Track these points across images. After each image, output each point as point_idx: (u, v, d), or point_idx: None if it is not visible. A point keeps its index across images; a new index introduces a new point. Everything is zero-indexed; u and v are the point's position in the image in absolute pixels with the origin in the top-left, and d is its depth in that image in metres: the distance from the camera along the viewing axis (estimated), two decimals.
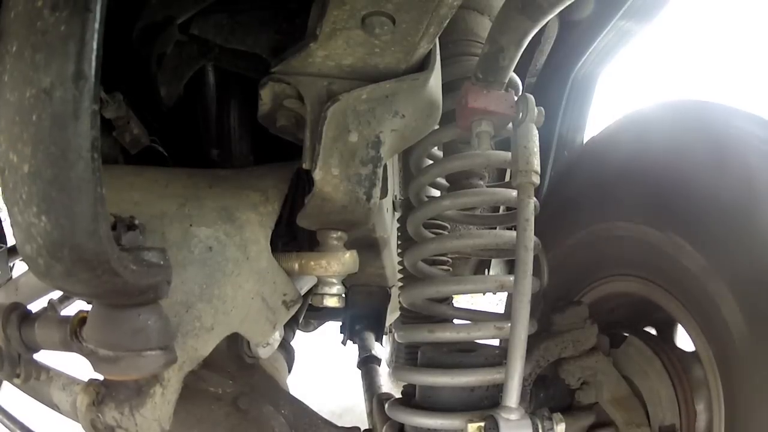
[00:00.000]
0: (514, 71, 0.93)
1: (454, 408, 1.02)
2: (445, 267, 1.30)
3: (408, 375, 1.09)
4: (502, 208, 1.61)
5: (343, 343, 2.18)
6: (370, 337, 2.11)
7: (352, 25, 0.78)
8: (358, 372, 1.92)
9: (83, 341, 0.81)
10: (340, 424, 1.26)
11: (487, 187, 1.25)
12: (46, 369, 1.08)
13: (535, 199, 0.90)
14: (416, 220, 1.14)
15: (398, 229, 1.44)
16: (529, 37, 0.82)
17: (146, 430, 0.93)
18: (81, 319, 0.86)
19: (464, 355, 1.06)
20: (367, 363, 1.91)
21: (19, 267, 2.05)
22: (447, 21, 0.79)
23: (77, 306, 1.23)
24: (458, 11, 0.87)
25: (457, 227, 1.54)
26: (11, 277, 1.91)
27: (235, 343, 1.19)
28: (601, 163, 1.30)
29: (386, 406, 1.14)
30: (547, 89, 1.82)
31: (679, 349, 1.11)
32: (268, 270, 1.02)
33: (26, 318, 0.98)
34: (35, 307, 1.06)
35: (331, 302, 1.04)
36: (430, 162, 1.21)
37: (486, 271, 2.30)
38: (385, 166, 0.99)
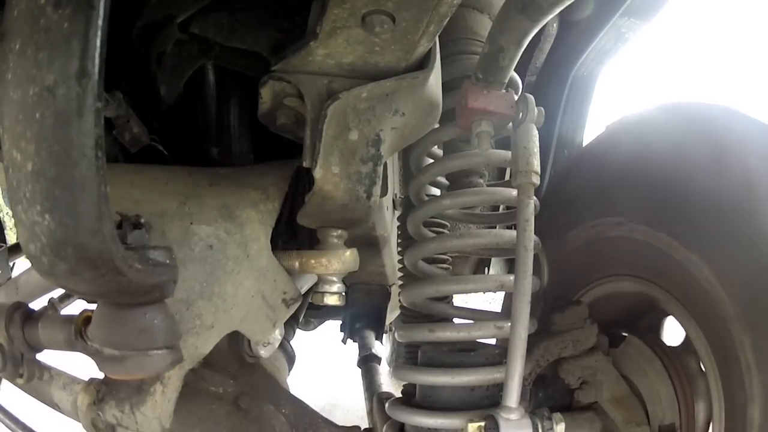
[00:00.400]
0: (514, 70, 0.93)
1: (454, 407, 1.02)
2: (444, 266, 1.31)
3: (408, 374, 1.10)
4: (502, 206, 1.61)
5: (343, 341, 2.18)
6: (370, 335, 2.11)
7: (353, 23, 0.78)
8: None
9: (88, 340, 0.80)
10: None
11: (487, 186, 1.26)
12: (48, 368, 1.08)
13: (535, 198, 0.90)
14: (416, 219, 1.14)
15: (398, 227, 1.44)
16: (529, 37, 0.82)
17: (147, 429, 0.93)
18: (86, 318, 0.86)
19: (464, 354, 1.06)
20: (367, 362, 1.91)
21: (20, 266, 2.05)
22: (447, 19, 0.79)
23: (77, 305, 1.23)
24: (458, 10, 0.87)
25: (457, 226, 1.54)
26: (11, 277, 1.91)
27: (235, 343, 1.19)
28: (600, 165, 1.30)
29: (386, 405, 1.14)
30: (546, 88, 1.83)
31: (679, 348, 1.12)
32: (268, 268, 1.02)
33: (29, 317, 0.98)
34: (36, 306, 1.06)
35: (332, 300, 1.04)
36: (431, 161, 1.21)
37: (486, 270, 2.30)
38: (385, 165, 0.99)
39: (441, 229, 1.30)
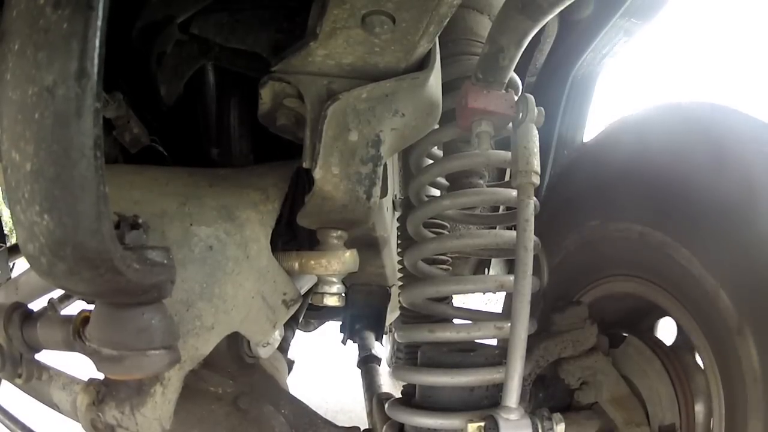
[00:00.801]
0: (514, 70, 0.93)
1: (454, 408, 1.02)
2: (444, 266, 1.31)
3: (408, 375, 1.09)
4: (502, 207, 1.61)
5: (343, 342, 2.17)
6: (370, 336, 2.11)
7: (352, 24, 0.78)
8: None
9: (86, 341, 0.80)
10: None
11: (487, 186, 1.25)
12: (47, 369, 1.08)
13: (535, 198, 0.90)
14: (416, 220, 1.14)
15: (398, 228, 1.44)
16: (529, 37, 0.82)
17: (147, 429, 0.93)
18: (84, 318, 0.86)
19: (464, 354, 1.06)
20: (367, 362, 1.91)
21: (20, 266, 2.05)
22: (447, 20, 0.79)
23: (77, 305, 1.23)
24: (458, 10, 0.87)
25: (457, 226, 1.54)
26: (10, 277, 1.91)
27: (235, 343, 1.19)
28: (600, 165, 1.30)
29: (386, 405, 1.14)
30: (546, 88, 1.83)
31: (679, 348, 1.12)
32: (268, 269, 1.02)
33: (28, 318, 0.98)
34: (36, 306, 1.06)
35: (332, 301, 1.04)
36: (430, 161, 1.21)
37: (486, 270, 2.30)
38: (385, 165, 0.99)
39: (441, 230, 1.30)
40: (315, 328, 2.76)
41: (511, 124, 0.94)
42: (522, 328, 0.85)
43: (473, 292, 1.15)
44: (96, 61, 0.51)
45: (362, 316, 2.10)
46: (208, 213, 0.99)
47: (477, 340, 1.11)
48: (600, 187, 1.27)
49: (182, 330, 0.93)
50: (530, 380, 1.12)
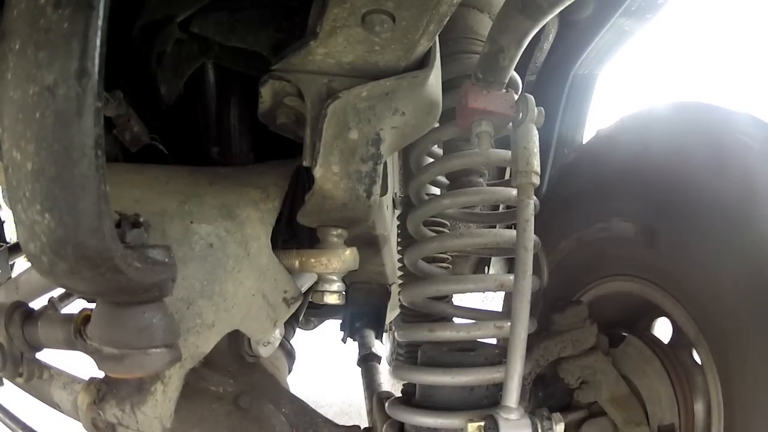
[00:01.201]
0: (514, 70, 0.93)
1: (454, 407, 1.02)
2: (444, 265, 1.31)
3: (408, 374, 1.10)
4: (501, 205, 1.61)
5: (343, 340, 2.17)
6: (370, 334, 2.11)
7: (353, 22, 0.78)
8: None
9: (87, 339, 0.80)
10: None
11: (487, 185, 1.26)
12: (48, 368, 1.08)
13: (535, 198, 0.90)
14: (416, 219, 1.14)
15: (398, 226, 1.44)
16: (529, 37, 0.82)
17: (148, 428, 0.93)
18: (85, 317, 0.86)
19: (464, 354, 1.06)
20: (367, 361, 1.91)
21: (20, 266, 2.05)
22: (447, 19, 0.79)
23: (78, 304, 1.23)
24: (458, 9, 0.87)
25: (457, 225, 1.54)
26: (11, 276, 1.92)
27: (236, 342, 1.19)
28: (600, 164, 1.30)
29: (386, 404, 1.14)
30: (546, 88, 1.83)
31: (679, 348, 1.12)
32: (268, 267, 1.02)
33: (29, 317, 0.98)
34: (36, 305, 1.06)
35: (332, 299, 1.04)
36: (431, 160, 1.21)
37: (486, 269, 2.30)
38: (385, 164, 0.99)
39: (441, 229, 1.30)
40: (315, 327, 2.76)
41: (511, 124, 0.94)
42: (522, 327, 0.85)
43: (473, 292, 1.15)
44: (97, 60, 0.51)
45: (362, 314, 2.10)
46: (208, 211, 0.99)
47: (477, 340, 1.11)
48: (600, 186, 1.27)
49: (183, 328, 0.93)
50: (530, 380, 1.12)
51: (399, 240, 1.42)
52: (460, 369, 1.01)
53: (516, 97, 0.93)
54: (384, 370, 1.96)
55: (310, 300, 1.12)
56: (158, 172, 1.06)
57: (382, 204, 1.32)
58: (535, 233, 0.89)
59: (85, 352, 0.83)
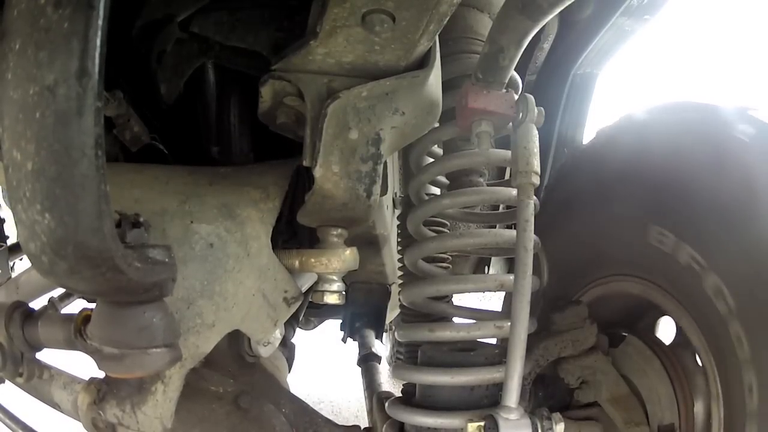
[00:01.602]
0: (514, 70, 0.93)
1: (454, 407, 1.02)
2: (444, 265, 1.31)
3: (408, 374, 1.10)
4: (501, 205, 1.61)
5: (343, 340, 2.17)
6: (370, 334, 2.11)
7: (353, 22, 0.78)
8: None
9: (88, 339, 0.80)
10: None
11: (487, 185, 1.26)
12: (48, 368, 1.08)
13: (535, 198, 0.90)
14: (416, 219, 1.14)
15: (398, 226, 1.44)
16: (529, 38, 0.82)
17: (148, 428, 0.93)
18: (85, 317, 0.86)
19: (464, 354, 1.06)
20: (367, 361, 1.91)
21: (20, 266, 2.05)
22: (447, 18, 0.79)
23: (78, 304, 1.23)
24: (458, 9, 0.87)
25: (457, 225, 1.54)
26: (11, 276, 1.91)
27: (236, 342, 1.19)
28: (600, 164, 1.30)
29: (386, 404, 1.14)
30: (546, 87, 1.83)
31: (678, 348, 1.12)
32: (269, 266, 1.02)
33: (29, 316, 0.98)
34: (36, 305, 1.06)
35: (332, 299, 1.04)
36: (431, 160, 1.21)
37: (486, 268, 2.30)
38: (385, 163, 0.99)
39: (441, 228, 1.30)
40: (315, 326, 2.76)
41: (511, 124, 0.94)
42: (522, 327, 0.85)
43: (473, 292, 1.15)
44: (97, 60, 0.51)
45: (362, 314, 2.10)
46: (208, 211, 0.99)
47: (477, 340, 1.11)
48: (599, 186, 1.27)
49: (183, 328, 0.93)
50: (530, 379, 1.12)
51: (399, 240, 1.42)
52: (460, 369, 1.02)
53: (516, 97, 0.93)
54: (384, 370, 1.96)
55: (310, 300, 1.12)
56: (158, 171, 1.06)
57: (382, 204, 1.32)
58: (534, 233, 0.89)
59: (86, 352, 0.83)
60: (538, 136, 0.91)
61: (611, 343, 1.20)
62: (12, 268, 2.01)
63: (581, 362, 1.14)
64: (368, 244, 1.51)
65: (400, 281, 1.36)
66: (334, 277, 1.04)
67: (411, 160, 1.21)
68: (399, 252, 1.42)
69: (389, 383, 1.84)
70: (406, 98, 0.88)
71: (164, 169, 1.08)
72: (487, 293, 1.24)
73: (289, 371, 1.50)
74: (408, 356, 1.40)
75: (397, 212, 1.51)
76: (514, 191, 0.97)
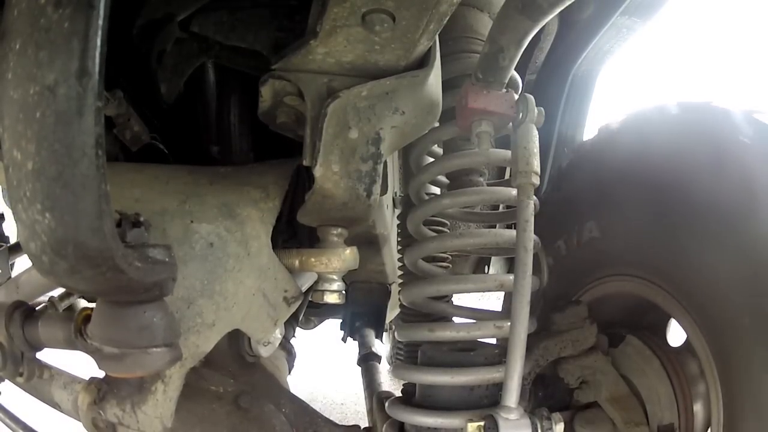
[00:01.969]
0: (514, 70, 0.93)
1: (454, 407, 1.02)
2: (444, 265, 1.31)
3: (408, 373, 1.10)
4: (501, 205, 1.61)
5: (343, 340, 2.18)
6: (370, 334, 2.11)
7: (353, 22, 0.78)
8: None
9: (88, 339, 0.80)
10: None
11: (487, 185, 1.26)
12: (48, 367, 1.08)
13: (535, 198, 0.90)
14: (416, 218, 1.14)
15: (398, 226, 1.44)
16: (529, 37, 0.82)
17: (148, 428, 0.93)
18: (85, 316, 0.86)
19: (464, 354, 1.06)
20: (367, 360, 1.91)
21: (20, 265, 2.05)
22: (447, 18, 0.79)
23: (78, 304, 1.23)
24: (458, 8, 0.87)
25: (457, 225, 1.54)
26: (11, 276, 1.91)
27: (236, 342, 1.19)
28: (600, 164, 1.30)
29: (386, 404, 1.14)
30: (546, 87, 1.83)
31: (678, 348, 1.12)
32: (269, 266, 1.02)
33: (29, 316, 0.98)
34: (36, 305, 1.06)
35: (332, 299, 1.04)
36: (431, 159, 1.21)
37: (486, 268, 2.30)
38: (385, 163, 0.99)
39: (441, 228, 1.30)
40: (315, 326, 2.76)
41: (511, 124, 0.94)
42: (522, 327, 0.85)
43: (473, 292, 1.15)
44: (97, 59, 0.51)
45: (362, 313, 2.10)
46: (208, 210, 0.99)
47: (477, 339, 1.11)
48: (599, 186, 1.27)
49: (183, 327, 0.93)
50: (530, 379, 1.12)
51: (399, 239, 1.42)
52: (460, 369, 1.02)
53: (516, 96, 0.93)
54: (384, 370, 1.96)
55: (310, 299, 1.12)
56: (158, 171, 1.06)
57: (382, 203, 1.32)
58: (534, 233, 0.89)
59: (86, 352, 0.83)
60: (538, 136, 0.91)
61: (611, 343, 1.20)
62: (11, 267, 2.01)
63: (581, 362, 1.14)
64: (368, 243, 1.51)
65: (400, 281, 1.36)
66: (334, 277, 1.04)
67: (411, 160, 1.21)
68: (399, 251, 1.42)
69: (389, 383, 1.84)
70: (406, 98, 0.88)
71: (164, 169, 1.08)
72: (487, 293, 1.24)
73: (290, 372, 1.51)
74: (408, 356, 1.40)
75: (397, 212, 1.51)
76: (514, 191, 0.97)
